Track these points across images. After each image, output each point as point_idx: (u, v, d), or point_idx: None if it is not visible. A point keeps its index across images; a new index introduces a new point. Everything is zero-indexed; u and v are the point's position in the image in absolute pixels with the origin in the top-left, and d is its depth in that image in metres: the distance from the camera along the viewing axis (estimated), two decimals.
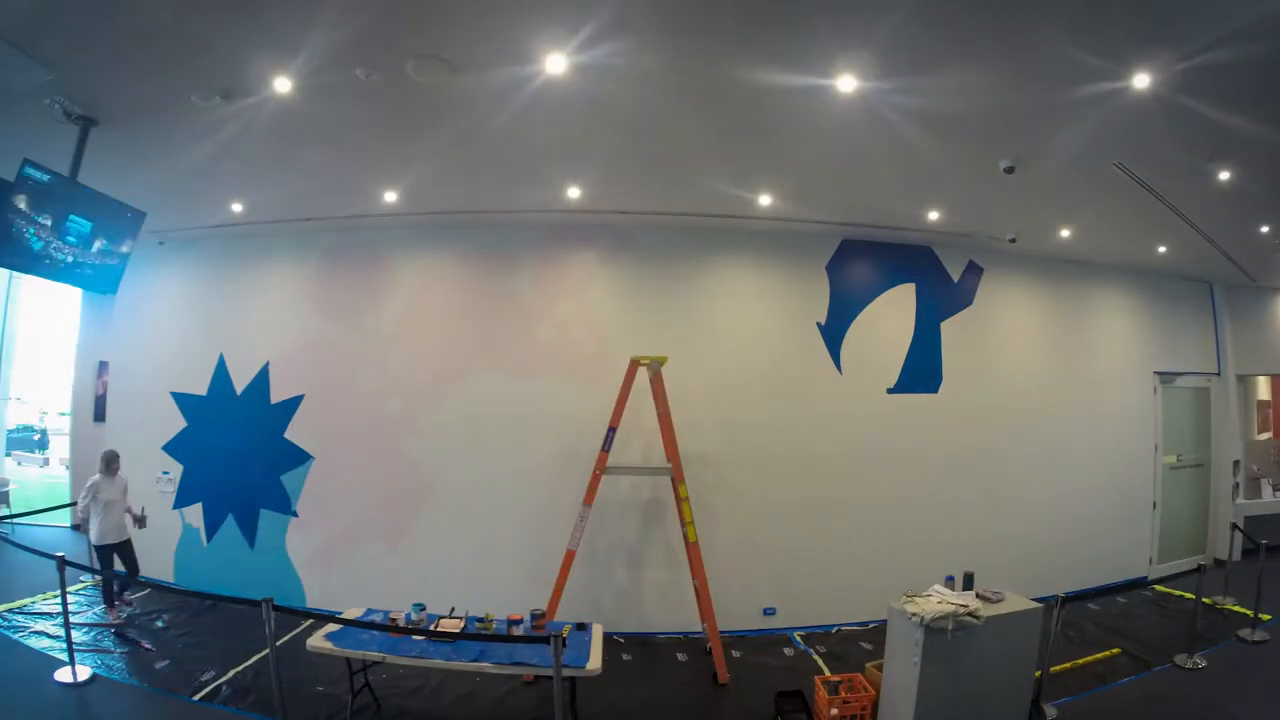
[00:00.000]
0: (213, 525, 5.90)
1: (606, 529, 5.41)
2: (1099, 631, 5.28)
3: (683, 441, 4.87)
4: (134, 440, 6.08)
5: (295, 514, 5.74)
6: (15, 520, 6.39)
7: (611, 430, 4.71)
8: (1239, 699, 4.13)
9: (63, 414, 9.23)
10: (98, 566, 5.08)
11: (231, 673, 4.36)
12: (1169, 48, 2.80)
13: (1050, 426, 6.32)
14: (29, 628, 4.82)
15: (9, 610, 5.13)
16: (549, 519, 5.37)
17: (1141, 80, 3.04)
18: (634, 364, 4.77)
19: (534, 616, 3.93)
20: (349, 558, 5.64)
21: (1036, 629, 3.77)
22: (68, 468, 8.32)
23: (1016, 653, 3.70)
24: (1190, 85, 3.07)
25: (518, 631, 3.79)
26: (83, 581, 5.81)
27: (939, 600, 3.58)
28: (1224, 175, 4.15)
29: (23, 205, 3.41)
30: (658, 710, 4.15)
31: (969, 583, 3.89)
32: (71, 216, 3.71)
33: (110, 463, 5.15)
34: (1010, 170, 4.08)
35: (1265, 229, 5.31)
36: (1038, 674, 3.82)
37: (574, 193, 4.81)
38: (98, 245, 3.94)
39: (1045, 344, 6.49)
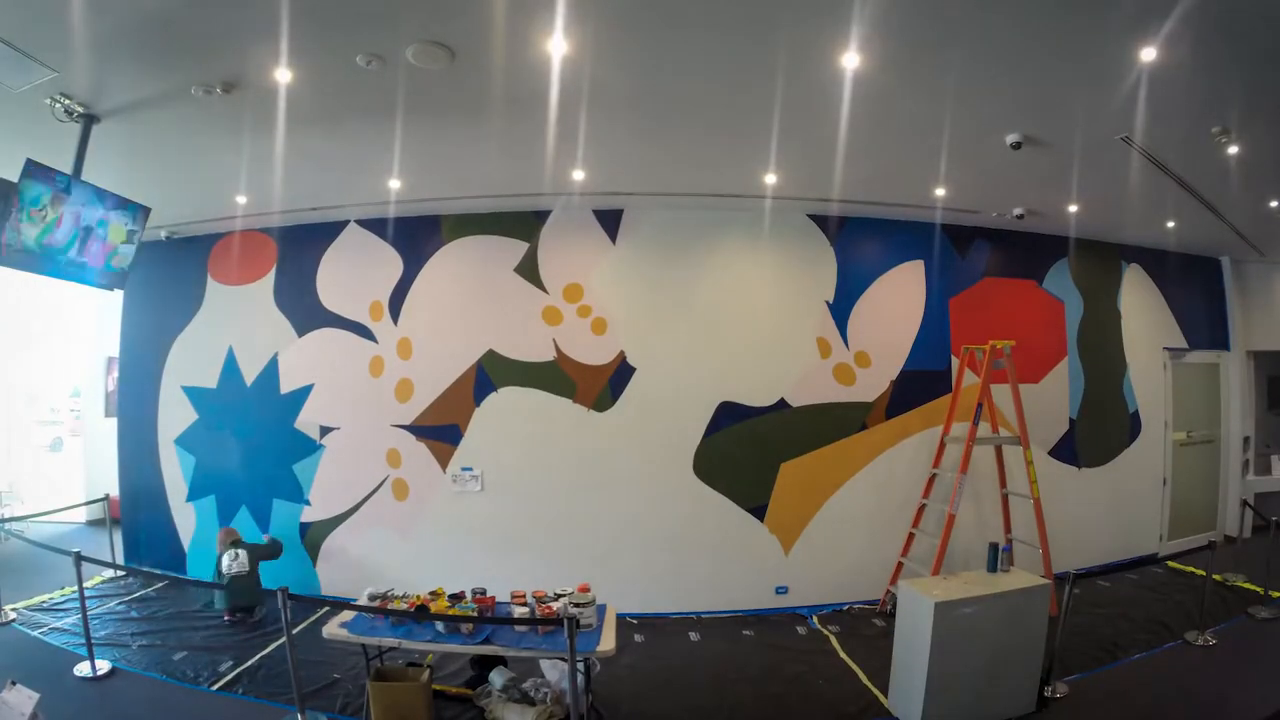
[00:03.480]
0: (226, 516, 5.94)
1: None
2: (1110, 608, 5.28)
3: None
4: (145, 434, 6.14)
5: (308, 502, 5.79)
6: (31, 519, 6.46)
7: (980, 405, 5.37)
8: (1249, 675, 4.13)
9: (74, 413, 9.29)
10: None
11: (249, 662, 4.41)
12: (1177, 19, 2.75)
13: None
14: (48, 624, 4.88)
15: (27, 607, 5.19)
16: (562, 501, 5.47)
17: (1149, 52, 3.00)
18: (993, 351, 5.32)
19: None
20: (362, 545, 5.69)
21: (1046, 605, 3.78)
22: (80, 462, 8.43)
23: (1026, 629, 3.72)
24: (1199, 56, 3.02)
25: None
26: (99, 576, 5.88)
27: None
28: (1233, 149, 4.09)
29: (26, 204, 3.41)
30: None
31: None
32: (77, 214, 3.71)
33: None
34: (1017, 146, 4.04)
35: (1275, 203, 5.25)
36: (1047, 650, 3.83)
37: (579, 175, 4.79)
38: (104, 242, 3.93)
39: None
